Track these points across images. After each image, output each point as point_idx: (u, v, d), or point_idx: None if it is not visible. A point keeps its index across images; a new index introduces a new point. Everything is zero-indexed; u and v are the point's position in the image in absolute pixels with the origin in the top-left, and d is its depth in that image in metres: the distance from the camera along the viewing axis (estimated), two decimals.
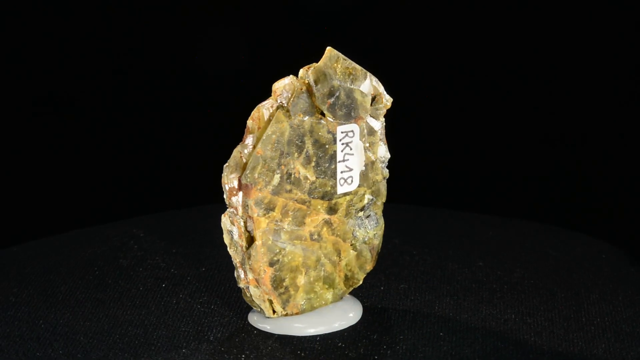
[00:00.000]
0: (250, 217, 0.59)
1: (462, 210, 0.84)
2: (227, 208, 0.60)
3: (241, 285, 0.61)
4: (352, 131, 0.62)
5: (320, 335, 0.62)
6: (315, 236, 0.61)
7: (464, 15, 0.93)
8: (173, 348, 0.60)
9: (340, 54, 0.61)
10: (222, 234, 0.61)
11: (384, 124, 0.64)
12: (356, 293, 0.66)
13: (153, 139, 0.96)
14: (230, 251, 0.61)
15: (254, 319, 0.63)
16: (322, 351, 0.60)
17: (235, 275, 0.61)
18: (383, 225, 0.65)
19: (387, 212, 0.65)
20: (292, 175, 0.60)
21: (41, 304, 0.64)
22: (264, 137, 0.59)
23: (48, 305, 0.65)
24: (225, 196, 0.60)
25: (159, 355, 0.59)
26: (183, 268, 0.70)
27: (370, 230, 0.64)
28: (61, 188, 0.92)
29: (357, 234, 0.63)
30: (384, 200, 0.64)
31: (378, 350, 0.60)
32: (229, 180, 0.59)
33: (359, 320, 0.64)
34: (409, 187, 0.89)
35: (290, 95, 0.59)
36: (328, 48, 0.61)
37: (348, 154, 0.62)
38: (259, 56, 0.94)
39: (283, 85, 0.60)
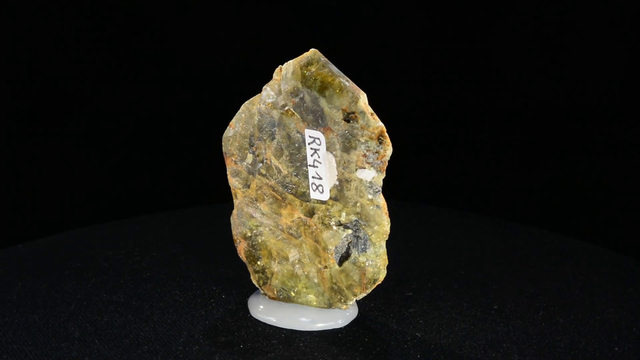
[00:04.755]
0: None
1: (461, 211, 0.81)
2: None
3: None
4: (318, 138, 0.57)
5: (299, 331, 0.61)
6: (293, 231, 0.60)
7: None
8: (172, 342, 0.59)
9: (324, 58, 0.57)
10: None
11: (377, 150, 0.56)
12: None
13: (165, 137, 0.95)
14: None
15: (251, 309, 0.63)
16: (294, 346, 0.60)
17: None
18: (383, 256, 0.58)
19: (391, 208, 0.59)
20: (265, 161, 0.59)
21: (47, 300, 0.64)
22: (237, 114, 0.60)
23: (55, 299, 0.64)
24: None
25: (159, 349, 0.59)
26: (190, 262, 0.70)
27: (360, 253, 0.58)
28: (63, 187, 0.93)
29: (351, 251, 0.59)
30: (380, 228, 0.58)
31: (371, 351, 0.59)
32: None
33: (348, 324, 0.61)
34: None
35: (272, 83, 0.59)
36: (312, 50, 0.57)
37: (317, 161, 0.58)
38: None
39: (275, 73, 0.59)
